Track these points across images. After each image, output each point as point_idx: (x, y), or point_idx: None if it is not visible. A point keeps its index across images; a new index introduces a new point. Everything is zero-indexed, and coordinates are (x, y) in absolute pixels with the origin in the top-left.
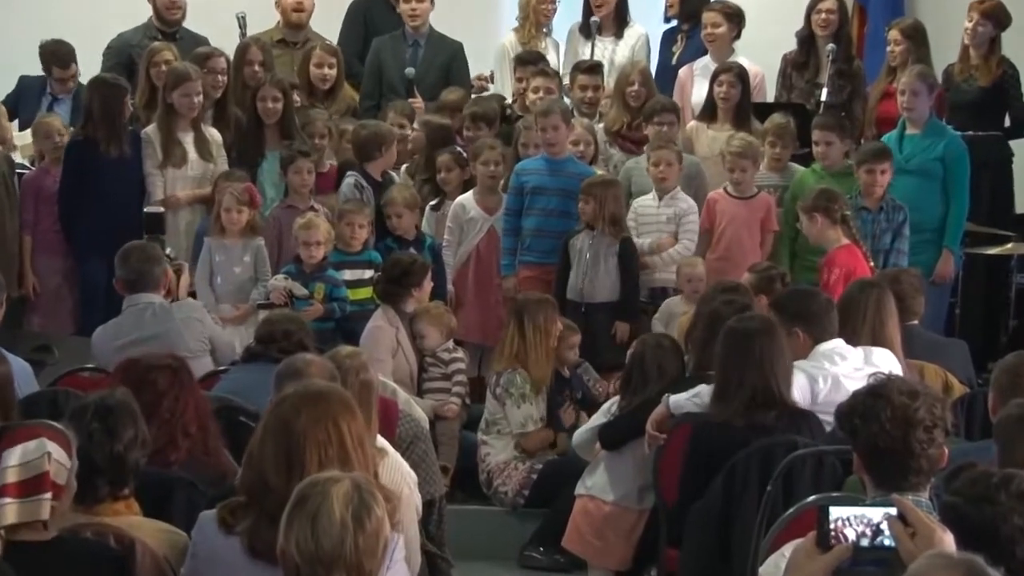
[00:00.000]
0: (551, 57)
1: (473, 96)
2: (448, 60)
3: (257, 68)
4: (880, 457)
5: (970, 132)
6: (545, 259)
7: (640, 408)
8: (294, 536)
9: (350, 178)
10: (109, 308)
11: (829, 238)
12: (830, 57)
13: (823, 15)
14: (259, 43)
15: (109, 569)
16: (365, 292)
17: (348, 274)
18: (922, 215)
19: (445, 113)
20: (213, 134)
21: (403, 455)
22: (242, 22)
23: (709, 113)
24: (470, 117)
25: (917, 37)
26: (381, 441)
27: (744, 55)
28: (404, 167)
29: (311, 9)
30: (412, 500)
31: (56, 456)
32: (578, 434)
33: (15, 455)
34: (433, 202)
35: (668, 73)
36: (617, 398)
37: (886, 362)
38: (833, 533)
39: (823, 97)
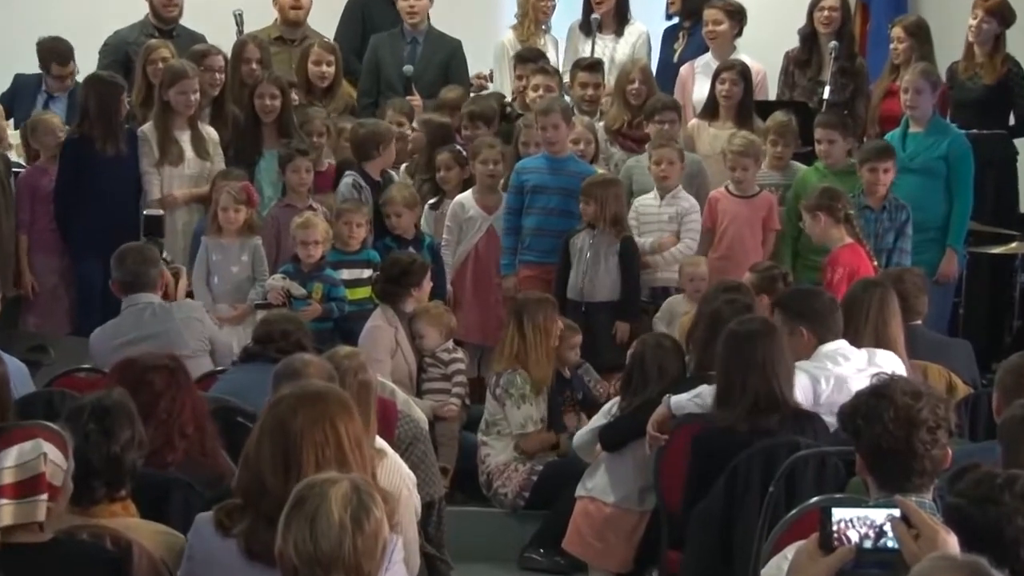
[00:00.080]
0: (550, 54)
1: (472, 95)
2: (447, 58)
3: (255, 66)
4: (883, 458)
5: (974, 130)
6: (545, 258)
7: (641, 409)
8: (292, 538)
9: (348, 177)
10: (106, 308)
11: (832, 237)
12: (832, 55)
13: (825, 12)
14: (256, 41)
15: (105, 571)
16: (364, 292)
17: (346, 274)
18: (925, 214)
19: (444, 111)
20: (210, 132)
21: (402, 456)
22: (239, 19)
23: (711, 111)
24: (468, 116)
25: (920, 34)
26: (380, 442)
27: (746, 53)
28: (404, 166)
29: (309, 6)
30: (411, 501)
31: (52, 457)
32: (578, 435)
33: (11, 456)
34: (432, 201)
35: (669, 71)
36: (618, 399)
37: (890, 363)
38: (836, 535)
39: (825, 95)
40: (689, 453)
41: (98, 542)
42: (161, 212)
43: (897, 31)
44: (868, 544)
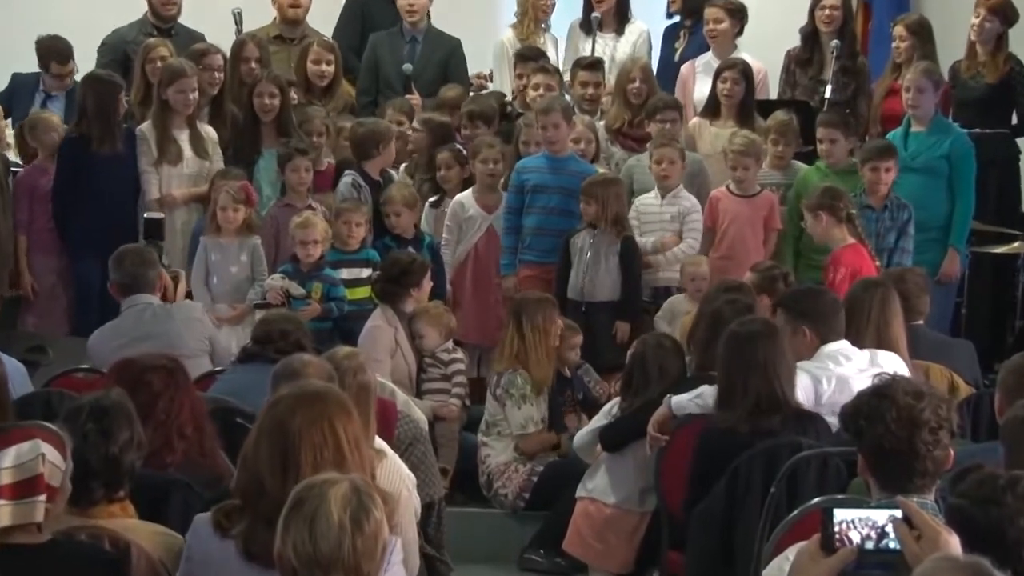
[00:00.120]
0: (550, 53)
1: (471, 94)
2: (446, 56)
3: (254, 65)
4: (885, 458)
5: (977, 130)
6: (545, 258)
7: (641, 409)
8: (291, 539)
9: (347, 177)
10: (104, 308)
11: (834, 237)
12: (834, 53)
13: (827, 11)
14: (256, 39)
15: (104, 572)
16: (363, 291)
17: (346, 273)
18: (927, 213)
19: (444, 110)
20: (209, 131)
21: (402, 457)
22: (238, 18)
23: (712, 110)
24: (467, 115)
25: (923, 33)
26: (379, 443)
27: (747, 51)
28: (403, 166)
29: (308, 5)
30: (411, 502)
31: (50, 458)
32: (579, 436)
33: (9, 457)
34: (433, 200)
35: (671, 69)
36: (618, 399)
37: (892, 364)
38: (838, 536)
39: (827, 94)
40: (691, 454)
41: (96, 543)
42: (161, 215)
43: (899, 30)
44: (870, 545)
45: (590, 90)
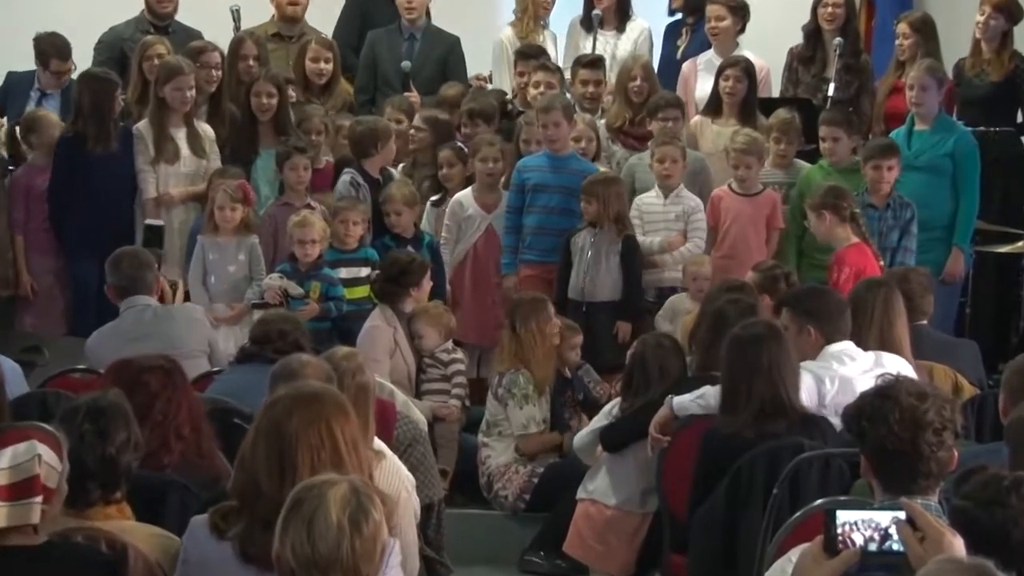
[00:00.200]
0: (549, 50)
1: (471, 92)
2: (444, 54)
3: (252, 63)
4: (888, 460)
5: (981, 128)
6: (546, 258)
7: (642, 410)
8: (290, 540)
9: (346, 175)
10: (101, 308)
11: (838, 236)
12: (837, 51)
13: (829, 9)
14: (254, 37)
15: (100, 574)
16: (362, 290)
17: (344, 272)
18: (931, 212)
19: (444, 108)
20: (206, 130)
21: (401, 458)
22: (236, 15)
23: (714, 108)
24: (467, 114)
25: (926, 31)
26: (379, 444)
27: (749, 49)
28: (401, 165)
29: (307, 3)
30: (410, 504)
31: (47, 459)
32: (579, 436)
33: (4, 457)
34: (434, 198)
35: (672, 67)
36: (619, 399)
37: (897, 368)
38: (840, 537)
39: (830, 92)
40: (693, 455)
41: (93, 545)
42: (162, 223)
43: (903, 27)
44: (873, 547)
45: (591, 88)
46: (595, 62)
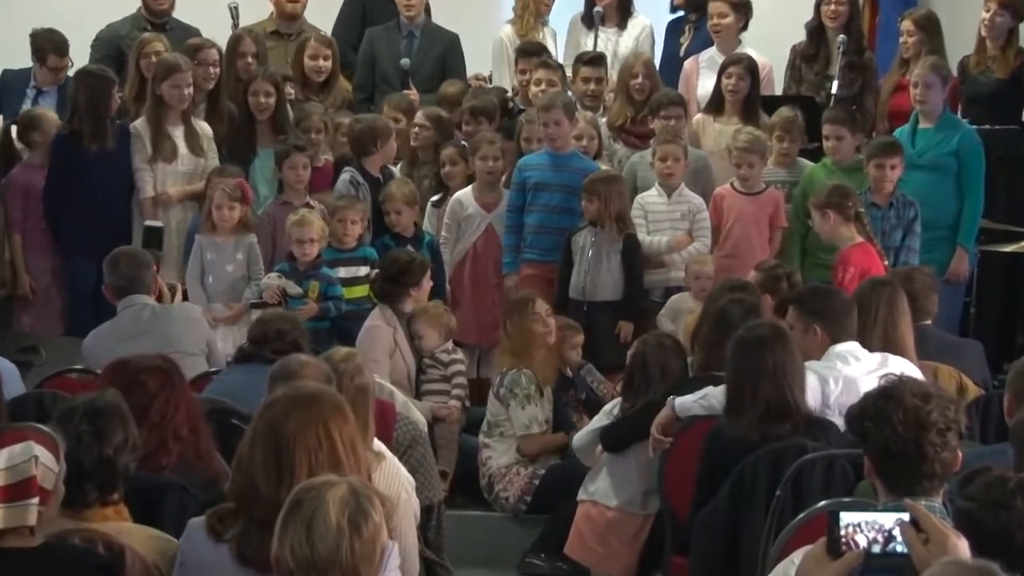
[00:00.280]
0: (549, 47)
1: (472, 90)
2: (443, 51)
3: (250, 60)
4: (892, 461)
5: (986, 126)
6: (547, 257)
7: (644, 410)
8: (288, 542)
9: (345, 174)
10: (98, 308)
11: (842, 236)
12: (840, 49)
13: (832, 6)
14: (252, 34)
15: None
16: (361, 290)
17: (343, 271)
18: (935, 211)
19: (444, 107)
20: (204, 128)
21: (401, 459)
22: (234, 12)
23: (716, 106)
24: (469, 111)
25: (931, 28)
26: (378, 445)
27: (751, 46)
28: (399, 164)
29: (306, 0)
30: (410, 505)
31: (43, 460)
32: (578, 436)
33: (1, 459)
34: (435, 198)
35: (675, 64)
36: (619, 399)
37: (903, 369)
38: (844, 539)
39: (833, 90)
40: (697, 457)
41: (90, 547)
42: (161, 224)
43: (907, 24)
44: (877, 549)
45: (592, 86)
46: (596, 59)
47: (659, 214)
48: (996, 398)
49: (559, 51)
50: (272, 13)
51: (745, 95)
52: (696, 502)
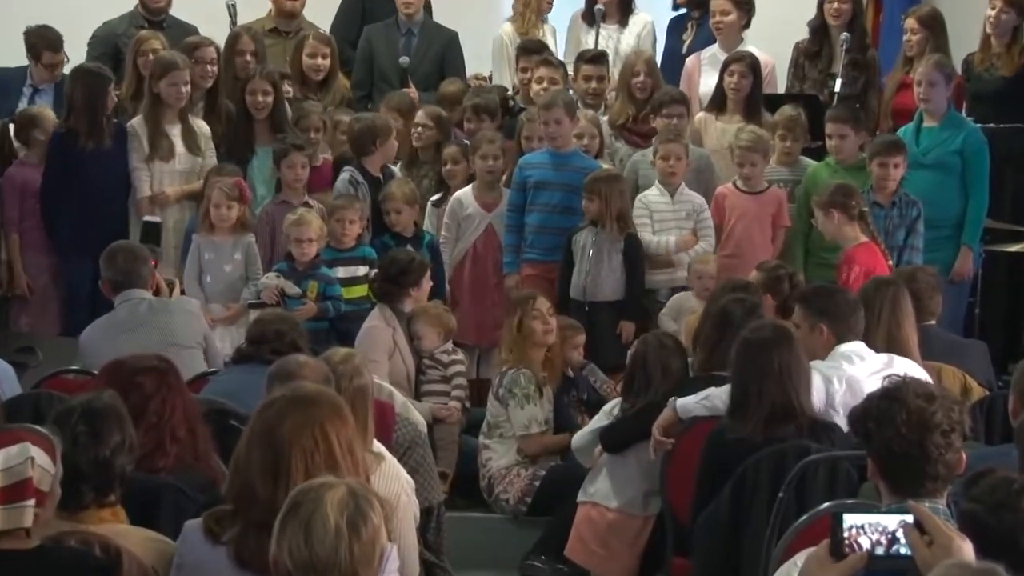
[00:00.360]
0: (548, 44)
1: (473, 88)
2: (442, 49)
3: (249, 58)
4: (895, 462)
5: (991, 124)
6: (548, 256)
7: (644, 410)
8: (287, 543)
9: (345, 173)
10: (95, 308)
11: (846, 235)
12: (844, 47)
13: (836, 4)
14: (250, 32)
15: None
16: (360, 290)
17: (341, 271)
18: (940, 210)
19: (444, 105)
20: (201, 126)
21: (400, 460)
22: (232, 10)
23: (718, 104)
24: (472, 109)
25: (935, 26)
26: (378, 446)
27: (754, 44)
28: (399, 163)
29: None
30: (410, 507)
31: (40, 461)
32: (578, 437)
33: None
34: (435, 198)
35: (677, 62)
36: (619, 400)
37: (908, 370)
38: (847, 541)
39: (837, 88)
40: (700, 459)
41: (87, 549)
42: (159, 220)
43: (910, 22)
44: (880, 551)
45: (593, 84)
46: (598, 58)
47: (664, 213)
48: (1001, 399)
49: (559, 49)
50: (270, 11)
51: (747, 93)
52: (697, 503)
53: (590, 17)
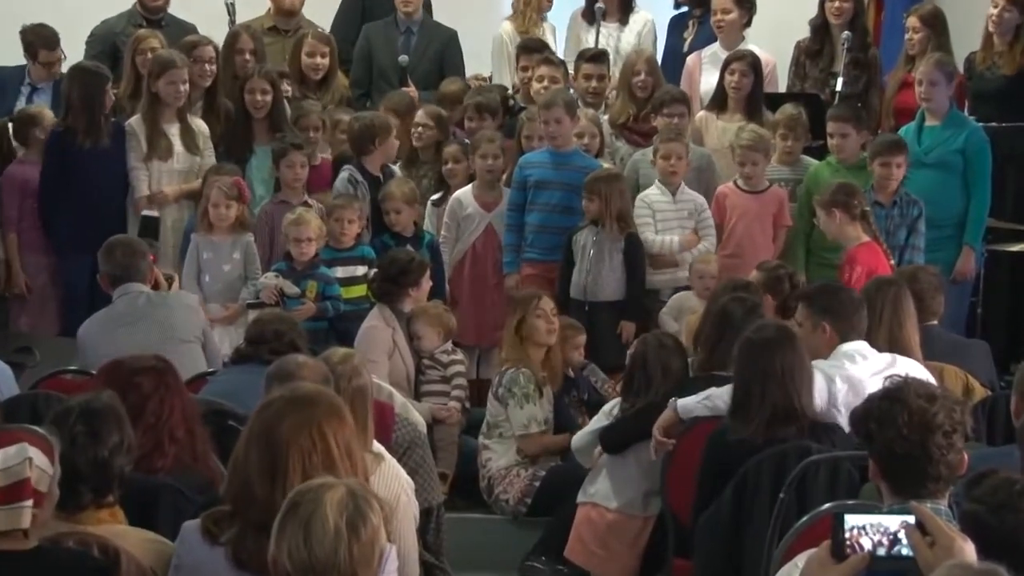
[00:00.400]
0: (549, 43)
1: (473, 87)
2: (441, 48)
3: (248, 57)
4: (897, 463)
5: (993, 123)
6: (548, 256)
7: (644, 410)
8: (286, 544)
9: (345, 172)
10: (93, 308)
11: (848, 235)
12: (845, 45)
13: (837, 3)
14: (249, 31)
15: None
16: (359, 289)
17: (341, 271)
18: (942, 210)
19: (444, 105)
20: (200, 125)
21: (400, 461)
22: (231, 9)
23: (719, 103)
24: (474, 107)
25: (937, 24)
26: (377, 447)
27: (755, 43)
28: (398, 163)
29: None
30: (409, 508)
31: (38, 462)
32: (577, 437)
33: None
34: (434, 197)
35: (678, 60)
36: (618, 400)
37: (910, 370)
38: (848, 542)
39: (838, 87)
40: (701, 460)
41: (85, 550)
42: (157, 214)
43: (912, 21)
44: (882, 552)
45: (594, 83)
46: (598, 56)
47: (666, 212)
48: (1003, 399)
49: (560, 47)
50: (269, 9)
51: (748, 92)
52: (697, 504)
53: (590, 15)
